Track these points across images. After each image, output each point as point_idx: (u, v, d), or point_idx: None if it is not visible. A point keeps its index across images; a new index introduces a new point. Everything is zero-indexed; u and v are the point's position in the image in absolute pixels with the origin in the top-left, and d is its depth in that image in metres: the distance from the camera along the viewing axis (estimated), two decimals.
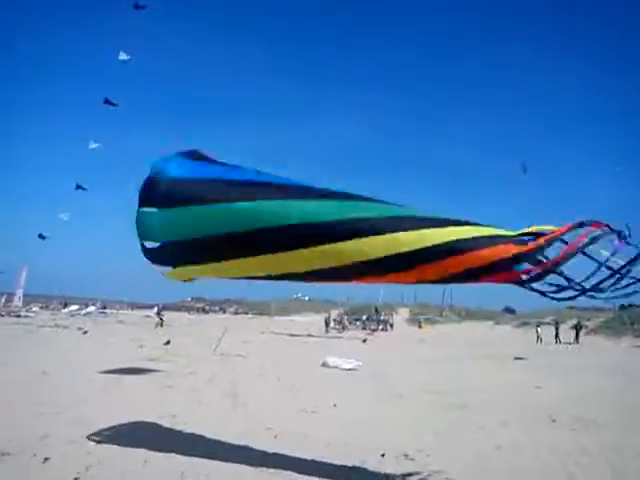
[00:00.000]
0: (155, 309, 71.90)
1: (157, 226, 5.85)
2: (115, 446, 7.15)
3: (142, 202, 5.85)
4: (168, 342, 23.46)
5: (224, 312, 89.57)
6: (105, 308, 62.91)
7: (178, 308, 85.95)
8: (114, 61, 21.53)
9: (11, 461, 6.38)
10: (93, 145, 22.68)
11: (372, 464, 6.80)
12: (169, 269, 6.18)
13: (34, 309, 55.11)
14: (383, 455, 7.16)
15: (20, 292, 48.86)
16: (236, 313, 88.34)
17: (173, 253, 5.96)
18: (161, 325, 39.55)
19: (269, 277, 5.97)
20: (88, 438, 7.45)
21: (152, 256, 6.05)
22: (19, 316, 44.66)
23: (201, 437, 7.80)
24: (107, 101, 20.06)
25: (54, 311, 58.07)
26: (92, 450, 6.90)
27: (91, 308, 57.21)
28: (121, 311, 68.67)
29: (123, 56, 21.10)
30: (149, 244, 6.00)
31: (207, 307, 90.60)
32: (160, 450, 6.97)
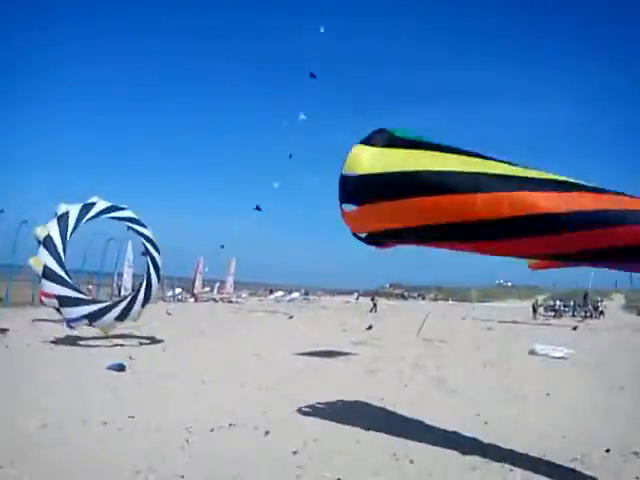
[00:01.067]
0: (355, 294, 74.24)
1: (365, 160, 6.17)
2: (328, 423, 7.45)
3: (361, 142, 6.32)
4: (370, 327, 23.91)
5: (423, 298, 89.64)
6: (308, 294, 65.93)
7: (377, 294, 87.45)
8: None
9: (236, 431, 6.90)
10: (302, 116, 23.96)
11: (595, 460, 6.26)
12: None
13: (244, 295, 59.57)
14: (608, 451, 6.57)
15: (231, 279, 52.74)
16: (435, 299, 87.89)
17: (364, 185, 6.16)
18: (375, 310, 40.49)
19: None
20: (303, 415, 7.86)
21: (344, 188, 6.33)
22: (231, 302, 48.58)
23: (410, 420, 7.82)
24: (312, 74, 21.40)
25: (261, 297, 62.28)
26: (307, 427, 7.23)
27: (295, 294, 60.30)
28: (323, 297, 71.55)
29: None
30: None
31: (406, 293, 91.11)
32: (370, 430, 7.10)
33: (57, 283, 13.52)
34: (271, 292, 65.88)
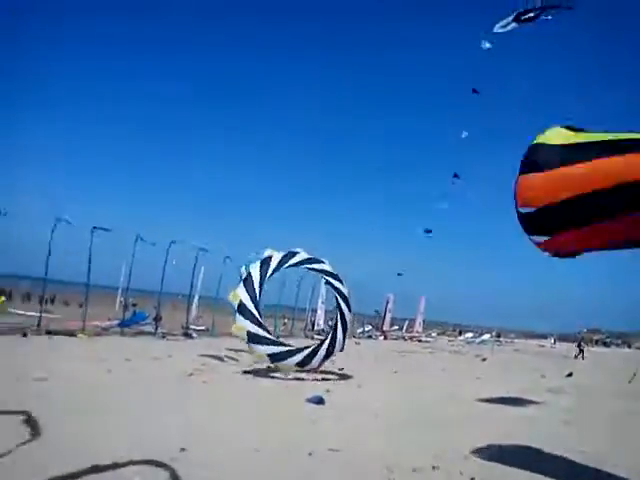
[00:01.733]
0: (551, 339, 69.87)
1: (537, 189, 5.95)
2: (525, 474, 7.04)
3: (524, 168, 6.11)
4: (570, 374, 22.37)
5: (629, 346, 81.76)
6: (500, 336, 63.34)
7: (574, 340, 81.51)
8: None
9: (439, 475, 6.76)
10: (464, 135, 23.30)
11: None
12: (543, 239, 6.19)
13: (433, 335, 58.88)
14: None
15: (420, 318, 52.53)
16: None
17: (547, 218, 5.97)
18: (582, 357, 37.87)
19: None
20: (502, 462, 7.49)
21: (528, 223, 6.11)
22: (420, 340, 48.25)
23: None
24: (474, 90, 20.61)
25: (450, 337, 61.04)
26: (509, 474, 6.89)
27: (486, 336, 58.20)
28: (515, 340, 68.34)
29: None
30: (525, 210, 6.07)
31: (608, 340, 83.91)
32: None
33: (248, 319, 14.51)
34: (460, 333, 64.44)
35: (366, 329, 47.40)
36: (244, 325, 14.49)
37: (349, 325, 16.31)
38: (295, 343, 28.30)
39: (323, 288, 39.67)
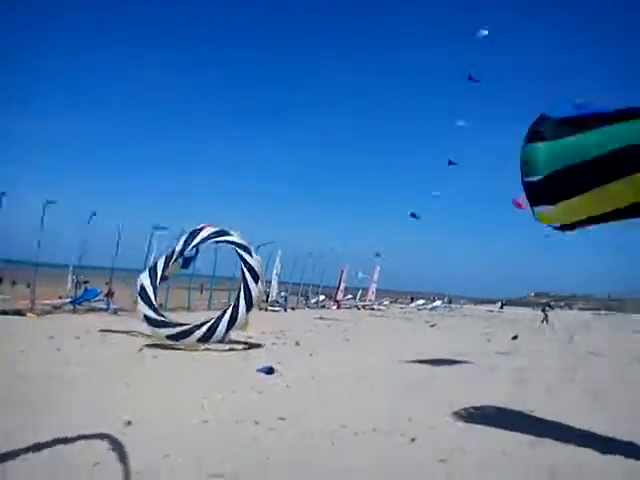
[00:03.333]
0: (498, 303, 71.93)
1: (542, 159, 6.23)
2: (476, 433, 7.34)
3: (530, 138, 6.36)
4: (516, 337, 23.13)
5: (570, 308, 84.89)
6: (451, 303, 64.80)
7: (521, 304, 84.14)
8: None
9: (381, 437, 6.98)
10: (461, 123, 23.33)
11: None
12: (544, 211, 6.47)
13: (385, 303, 59.85)
14: None
15: (373, 287, 53.34)
16: (584, 309, 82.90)
17: (555, 185, 6.22)
18: (546, 321, 38.34)
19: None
20: (448, 423, 7.80)
21: (532, 193, 6.42)
22: (373, 309, 49.11)
23: (564, 433, 7.46)
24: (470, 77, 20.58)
25: (402, 305, 62.17)
26: (454, 435, 7.16)
27: (437, 302, 59.57)
28: (465, 306, 70.02)
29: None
30: (531, 178, 6.33)
31: (552, 303, 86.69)
32: (521, 443, 6.91)
33: (146, 304, 14.71)
34: (412, 300, 65.60)
35: (320, 299, 47.80)
36: (143, 309, 14.68)
37: (254, 295, 16.00)
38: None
39: (278, 260, 39.89)
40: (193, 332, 14.83)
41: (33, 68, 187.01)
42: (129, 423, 6.72)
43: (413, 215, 25.01)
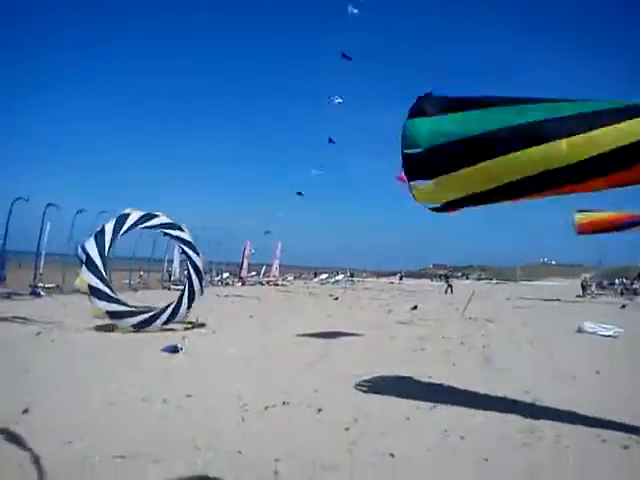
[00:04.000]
0: (398, 275, 74.28)
1: (424, 133, 6.28)
2: (378, 400, 7.65)
3: (412, 114, 6.40)
4: (415, 307, 23.99)
5: (467, 278, 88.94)
6: (353, 276, 66.11)
7: (420, 275, 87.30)
8: None
9: (290, 410, 7.13)
10: (337, 100, 23.32)
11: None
12: (422, 185, 6.56)
13: (289, 278, 60.26)
14: None
15: (277, 263, 53.41)
16: (479, 279, 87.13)
17: (435, 158, 6.30)
18: (451, 291, 39.55)
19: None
20: (353, 393, 8.06)
21: (411, 165, 6.43)
22: (277, 284, 49.28)
23: (458, 397, 7.89)
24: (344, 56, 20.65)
25: (306, 280, 62.86)
26: (358, 404, 7.40)
27: (340, 276, 60.57)
28: (367, 279, 71.69)
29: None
30: (411, 150, 6.36)
31: (449, 273, 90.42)
32: (419, 408, 7.26)
33: (105, 300, 13.99)
34: (316, 275, 66.44)
35: (224, 276, 47.47)
36: (87, 278, 13.92)
37: (201, 269, 16.10)
38: (152, 295, 28.07)
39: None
40: (135, 316, 14.53)
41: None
42: (26, 411, 6.47)
43: (299, 193, 25.31)
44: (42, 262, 30.24)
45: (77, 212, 28.80)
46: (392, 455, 5.48)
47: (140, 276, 39.01)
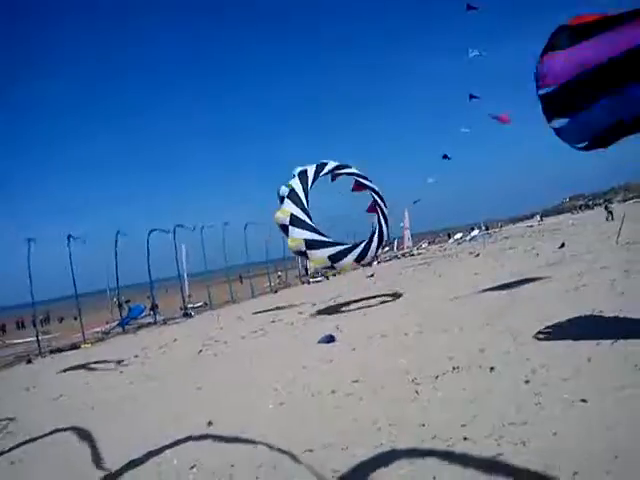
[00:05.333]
0: (536, 217, 70.64)
1: (557, 67, 6.31)
2: (552, 350, 7.16)
3: (546, 49, 6.45)
4: (562, 245, 22.66)
5: (610, 203, 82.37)
6: (488, 229, 63.92)
7: (558, 211, 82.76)
8: None
9: (462, 374, 6.88)
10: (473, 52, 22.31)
11: None
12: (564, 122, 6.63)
13: (424, 246, 59.15)
14: None
15: (408, 232, 52.10)
16: (624, 200, 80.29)
17: (569, 95, 6.30)
18: (612, 218, 36.02)
19: None
20: (522, 346, 7.61)
21: (549, 104, 6.51)
22: (412, 255, 48.11)
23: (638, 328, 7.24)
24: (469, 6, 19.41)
25: (441, 243, 61.50)
26: (531, 357, 6.96)
27: (475, 232, 58.59)
28: (504, 227, 69.00)
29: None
30: (545, 90, 6.47)
31: (590, 203, 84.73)
32: (600, 345, 6.73)
33: (304, 229, 15.30)
34: (449, 236, 64.92)
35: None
36: (300, 236, 15.25)
37: (384, 237, 17.28)
38: (292, 293, 28.72)
39: None
40: (351, 251, 16.02)
41: None
42: (210, 423, 6.73)
43: (445, 156, 24.49)
44: (186, 283, 32.04)
45: (201, 228, 30.04)
46: (584, 400, 5.09)
47: (279, 276, 40.12)
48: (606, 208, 38.52)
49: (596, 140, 6.64)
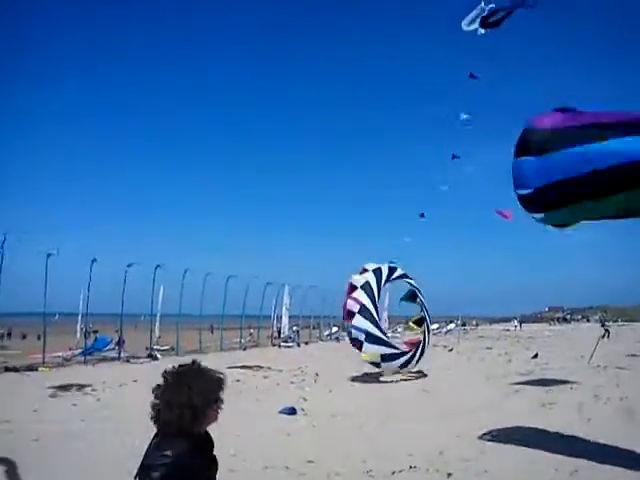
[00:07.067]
0: (514, 322, 70.90)
1: (531, 172, 6.51)
2: (509, 462, 7.07)
3: (518, 152, 6.68)
4: (536, 355, 22.76)
5: (587, 320, 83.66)
6: (465, 325, 64.02)
7: (535, 320, 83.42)
8: None
9: (418, 475, 6.73)
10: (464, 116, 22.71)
11: None
12: (537, 216, 6.91)
13: (399, 330, 58.92)
14: None
15: (385, 314, 51.97)
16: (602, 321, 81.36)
17: (543, 197, 6.56)
18: (608, 336, 36.05)
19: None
20: (481, 453, 7.51)
21: (525, 202, 6.79)
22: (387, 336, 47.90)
23: (593, 451, 7.18)
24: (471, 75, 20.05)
25: (416, 330, 61.21)
26: (490, 467, 6.86)
27: (452, 325, 58.77)
28: (480, 326, 69.23)
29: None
30: (522, 191, 6.71)
31: (568, 316, 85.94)
32: (558, 471, 6.66)
33: (381, 345, 16.01)
34: None
35: (333, 331, 47.21)
36: (364, 325, 15.81)
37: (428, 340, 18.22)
38: (261, 353, 28.32)
39: (287, 296, 39.60)
40: (400, 357, 16.38)
41: None
42: None
43: (422, 215, 24.58)
44: (157, 324, 31.38)
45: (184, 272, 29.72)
46: None
47: (250, 334, 39.62)
48: (603, 326, 38.56)
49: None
